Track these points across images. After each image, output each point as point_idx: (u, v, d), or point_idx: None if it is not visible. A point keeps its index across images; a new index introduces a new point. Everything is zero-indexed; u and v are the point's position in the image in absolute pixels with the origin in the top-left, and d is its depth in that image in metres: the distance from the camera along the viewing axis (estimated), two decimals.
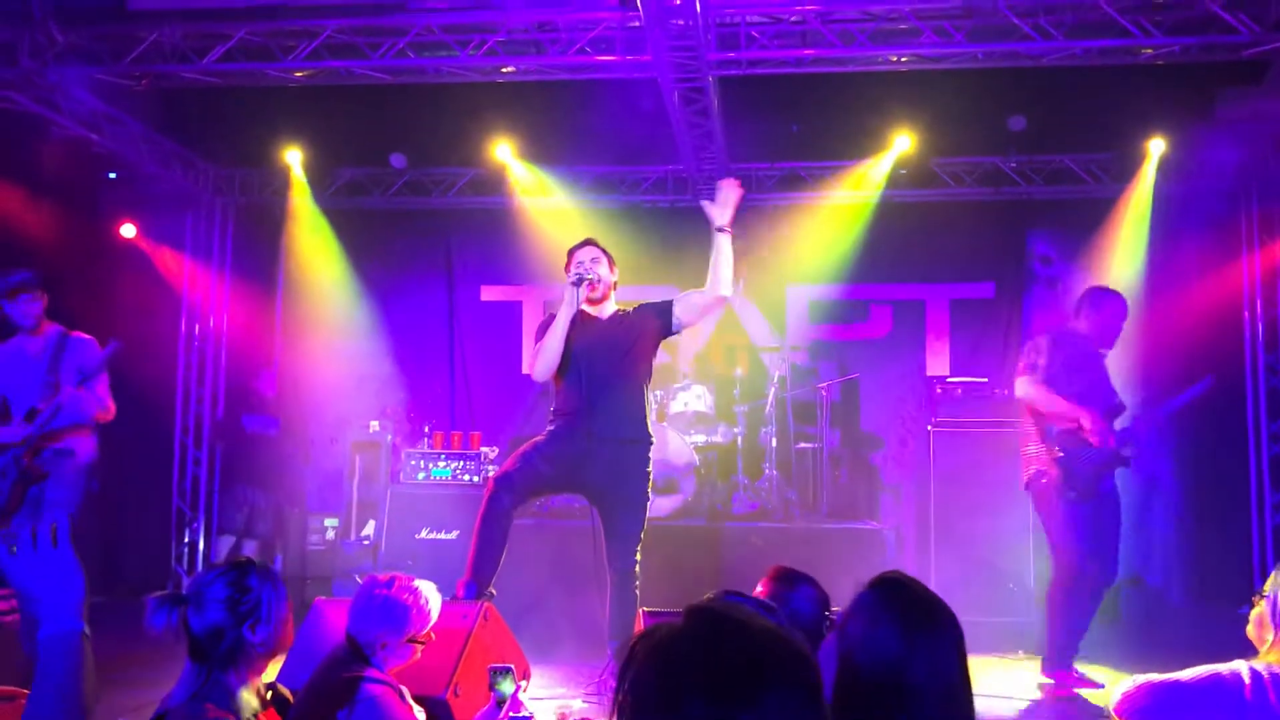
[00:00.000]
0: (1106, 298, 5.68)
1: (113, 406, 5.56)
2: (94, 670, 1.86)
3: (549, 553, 7.01)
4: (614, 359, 4.84)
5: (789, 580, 3.01)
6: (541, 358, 4.80)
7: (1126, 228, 8.34)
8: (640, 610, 4.44)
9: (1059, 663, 5.34)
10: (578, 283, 4.81)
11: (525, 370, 5.16)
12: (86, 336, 5.60)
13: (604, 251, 5.01)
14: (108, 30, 6.77)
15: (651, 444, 4.95)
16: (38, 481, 5.28)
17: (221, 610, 2.40)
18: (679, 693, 1.20)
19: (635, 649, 1.28)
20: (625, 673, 1.27)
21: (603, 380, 4.81)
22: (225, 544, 8.22)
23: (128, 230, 8.78)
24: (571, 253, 5.00)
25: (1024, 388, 5.43)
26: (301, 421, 9.19)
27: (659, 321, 4.96)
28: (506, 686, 3.19)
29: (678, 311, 4.96)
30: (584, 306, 4.89)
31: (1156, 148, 8.08)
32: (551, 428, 4.92)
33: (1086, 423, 5.26)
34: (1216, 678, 2.41)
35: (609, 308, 5.01)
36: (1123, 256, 8.31)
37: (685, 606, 1.33)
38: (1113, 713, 2.51)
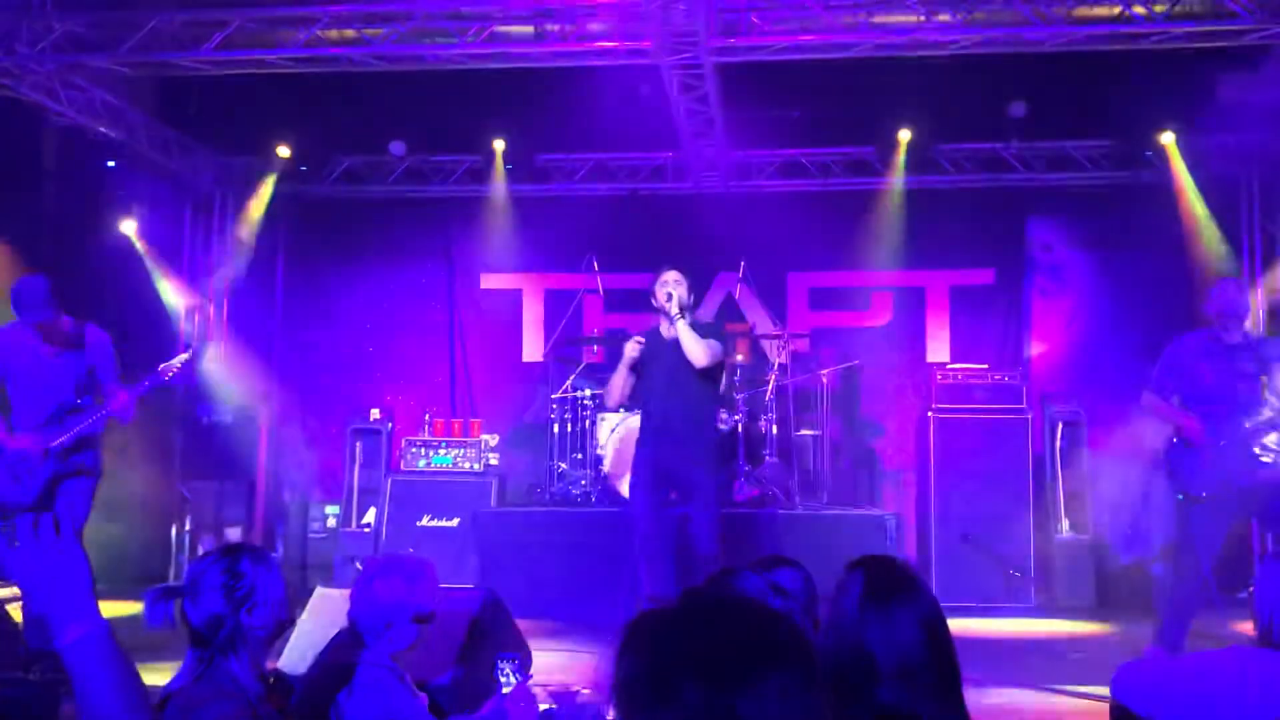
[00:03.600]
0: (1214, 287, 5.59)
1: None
2: (131, 664, 1.83)
3: (555, 541, 7.04)
4: (685, 374, 5.50)
5: (768, 565, 2.99)
6: (612, 394, 5.76)
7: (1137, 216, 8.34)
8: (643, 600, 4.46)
9: None
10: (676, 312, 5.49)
11: (608, 402, 6.04)
12: (102, 333, 5.49)
13: (685, 276, 5.66)
14: (105, 17, 6.75)
15: (716, 440, 5.80)
16: (70, 476, 5.30)
17: (218, 598, 2.40)
18: (673, 678, 1.18)
19: (628, 636, 1.26)
20: (619, 660, 1.26)
21: (675, 392, 5.53)
22: (209, 541, 8.19)
23: (128, 227, 8.74)
24: (659, 277, 5.62)
25: None
26: (302, 409, 9.20)
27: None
28: (513, 677, 3.19)
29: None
30: (663, 329, 5.65)
31: (1165, 138, 8.09)
32: (640, 447, 5.68)
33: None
34: (1215, 661, 2.42)
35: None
36: (1129, 244, 8.31)
37: (681, 592, 1.32)
38: (1113, 694, 2.52)
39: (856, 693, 1.91)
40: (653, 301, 5.66)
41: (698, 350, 5.46)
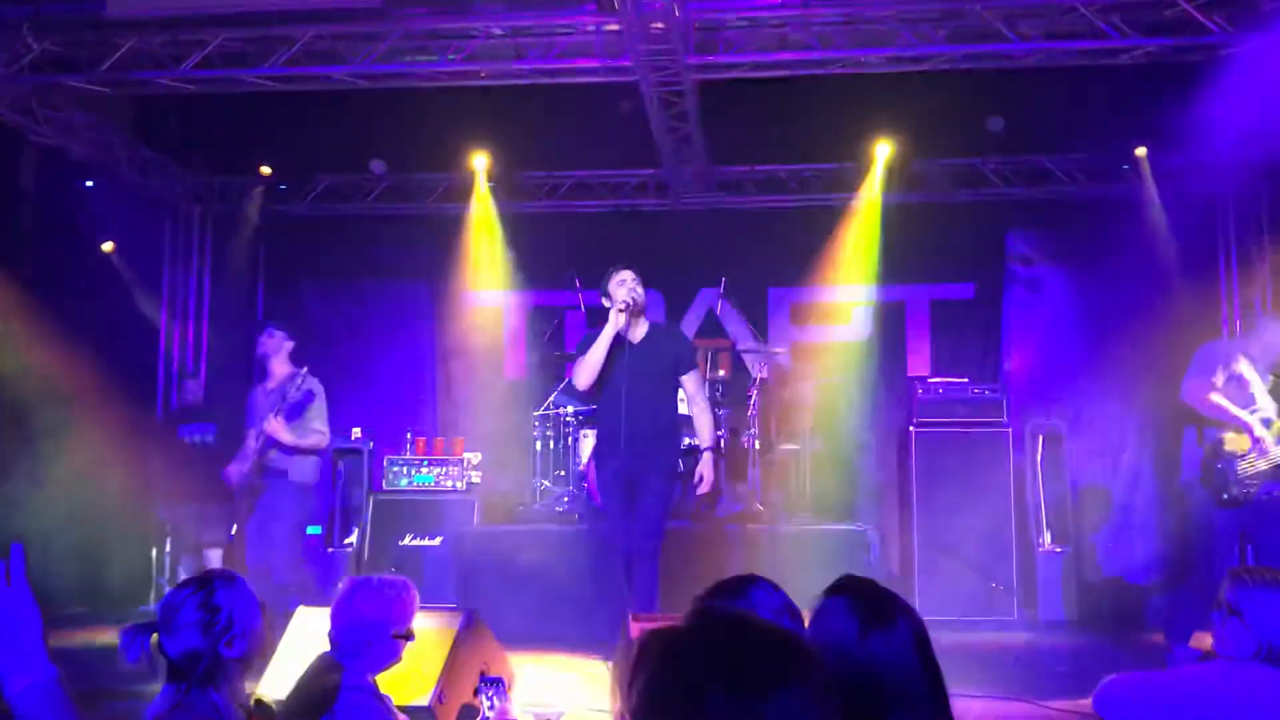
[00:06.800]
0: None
1: (317, 438, 6.32)
2: (78, 712, 1.82)
3: (538, 559, 7.02)
4: (649, 377, 5.53)
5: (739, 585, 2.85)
6: (586, 371, 5.53)
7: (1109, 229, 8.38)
8: (629, 615, 4.43)
9: None
10: (625, 309, 5.46)
11: (580, 382, 5.72)
12: (312, 379, 6.24)
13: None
14: (84, 37, 6.72)
15: (679, 444, 5.81)
16: (258, 493, 6.10)
17: (195, 634, 2.38)
18: (700, 688, 1.23)
19: (647, 650, 1.30)
20: (637, 675, 1.28)
21: (638, 395, 5.44)
22: (189, 563, 8.12)
23: (107, 246, 8.70)
24: (614, 273, 5.61)
25: None
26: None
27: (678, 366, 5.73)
28: (496, 699, 3.19)
29: (684, 379, 5.75)
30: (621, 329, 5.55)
31: (1137, 151, 8.14)
32: (596, 445, 5.72)
33: None
34: (1193, 674, 2.43)
35: (642, 328, 5.65)
36: (1106, 256, 8.36)
37: (691, 608, 1.38)
38: (1095, 708, 2.53)
39: (857, 713, 1.89)
40: (604, 301, 5.60)
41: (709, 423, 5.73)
